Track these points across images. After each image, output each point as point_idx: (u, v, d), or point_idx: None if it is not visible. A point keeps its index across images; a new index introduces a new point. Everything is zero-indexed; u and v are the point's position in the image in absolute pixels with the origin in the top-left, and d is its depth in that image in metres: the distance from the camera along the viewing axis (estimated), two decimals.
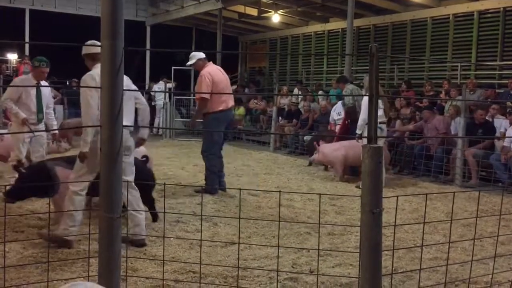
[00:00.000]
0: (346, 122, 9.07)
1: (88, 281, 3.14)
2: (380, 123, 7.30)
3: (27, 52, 16.14)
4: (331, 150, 8.46)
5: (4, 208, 3.08)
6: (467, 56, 12.23)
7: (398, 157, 9.18)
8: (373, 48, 2.65)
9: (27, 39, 16.25)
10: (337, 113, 10.08)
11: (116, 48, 2.61)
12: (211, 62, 6.91)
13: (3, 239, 3.04)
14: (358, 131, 7.46)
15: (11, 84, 7.05)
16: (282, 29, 17.69)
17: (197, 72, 6.87)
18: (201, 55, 6.81)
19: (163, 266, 3.33)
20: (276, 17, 15.80)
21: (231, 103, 6.82)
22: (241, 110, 14.84)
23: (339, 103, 10.16)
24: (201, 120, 6.99)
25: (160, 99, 15.74)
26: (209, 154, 6.67)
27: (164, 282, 3.29)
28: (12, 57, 17.79)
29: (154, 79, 17.10)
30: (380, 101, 7.13)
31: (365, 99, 7.30)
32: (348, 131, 8.86)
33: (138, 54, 20.91)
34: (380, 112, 7.28)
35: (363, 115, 7.35)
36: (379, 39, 14.07)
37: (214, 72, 6.66)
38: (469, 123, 8.36)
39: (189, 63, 6.91)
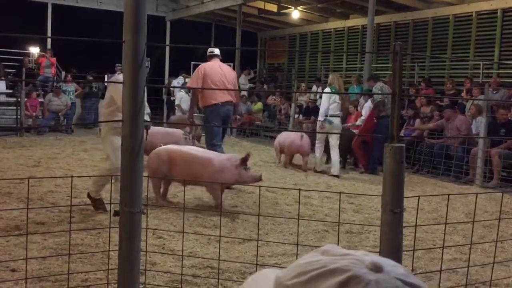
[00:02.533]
0: (374, 118, 8.98)
1: (108, 274, 3.18)
2: (332, 115, 8.25)
3: (49, 45, 16.32)
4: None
5: (27, 201, 3.12)
6: (490, 54, 12.04)
7: (417, 156, 9.09)
8: (397, 46, 2.62)
9: (49, 33, 16.44)
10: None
11: (138, 44, 2.63)
12: (217, 59, 7.12)
13: (26, 231, 3.08)
14: (320, 118, 8.39)
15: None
16: (301, 25, 17.61)
17: None
18: (209, 51, 7.15)
19: (182, 261, 3.34)
20: (295, 13, 15.73)
21: (225, 98, 6.97)
22: (259, 105, 14.83)
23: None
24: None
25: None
26: (214, 145, 6.86)
27: (182, 277, 3.31)
28: (34, 50, 17.98)
29: (174, 74, 17.18)
30: (337, 96, 8.24)
31: (324, 95, 8.71)
32: (372, 128, 8.78)
33: (158, 49, 21.01)
34: (333, 105, 8.26)
35: (322, 107, 8.37)
36: (400, 37, 13.93)
37: (210, 67, 6.91)
38: (491, 122, 8.24)
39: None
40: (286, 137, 9.05)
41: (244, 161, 5.57)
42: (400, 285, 0.61)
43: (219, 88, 6.88)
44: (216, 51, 7.17)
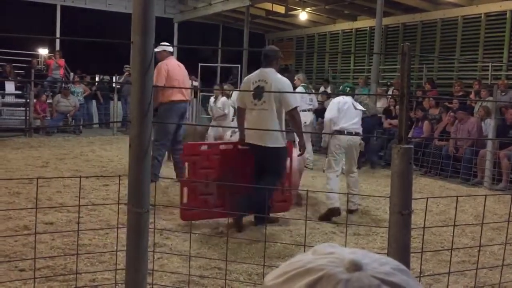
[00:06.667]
0: None
1: (116, 275, 3.19)
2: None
3: (57, 47, 16.42)
4: None
5: (35, 202, 3.14)
6: (498, 56, 11.96)
7: (425, 157, 9.06)
8: (405, 47, 2.61)
9: (58, 34, 16.53)
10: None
11: (146, 44, 2.64)
12: (172, 56, 7.15)
13: (34, 231, 3.10)
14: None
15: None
16: (309, 27, 17.59)
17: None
18: (169, 48, 7.10)
19: (189, 262, 3.35)
20: (303, 15, 15.71)
21: (181, 96, 7.00)
22: None
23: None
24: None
25: None
26: (160, 144, 6.77)
27: (189, 278, 3.31)
28: (43, 52, 18.09)
29: None
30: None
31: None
32: None
33: None
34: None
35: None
36: (408, 38, 13.87)
37: (171, 66, 6.87)
38: (500, 124, 8.19)
39: (156, 49, 7.05)
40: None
41: None
42: (376, 284, 0.58)
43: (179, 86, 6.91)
44: (170, 48, 7.13)
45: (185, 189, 4.84)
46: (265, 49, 5.36)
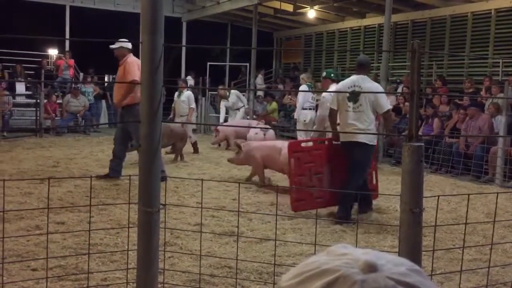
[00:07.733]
0: None
1: (127, 274, 3.21)
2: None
3: (67, 47, 16.52)
4: (249, 149, 7.32)
5: (47, 202, 3.16)
6: (509, 52, 11.85)
7: (436, 155, 9.00)
8: (415, 44, 2.60)
9: (67, 35, 16.63)
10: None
11: (155, 44, 2.64)
12: (131, 53, 6.93)
13: (46, 231, 3.12)
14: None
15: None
16: (317, 25, 17.55)
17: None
18: (129, 45, 6.91)
19: (200, 261, 3.35)
20: (311, 13, 15.67)
21: None
22: (274, 105, 14.81)
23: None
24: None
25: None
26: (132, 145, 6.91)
27: (200, 277, 3.32)
28: (53, 52, 18.21)
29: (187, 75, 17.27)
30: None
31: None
32: None
33: (174, 50, 21.12)
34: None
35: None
36: (417, 35, 13.79)
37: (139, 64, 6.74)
38: (511, 121, 8.11)
39: (113, 46, 6.93)
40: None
41: None
42: (391, 285, 0.58)
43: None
44: (129, 45, 6.88)
45: (294, 183, 5.58)
46: (360, 57, 6.10)
